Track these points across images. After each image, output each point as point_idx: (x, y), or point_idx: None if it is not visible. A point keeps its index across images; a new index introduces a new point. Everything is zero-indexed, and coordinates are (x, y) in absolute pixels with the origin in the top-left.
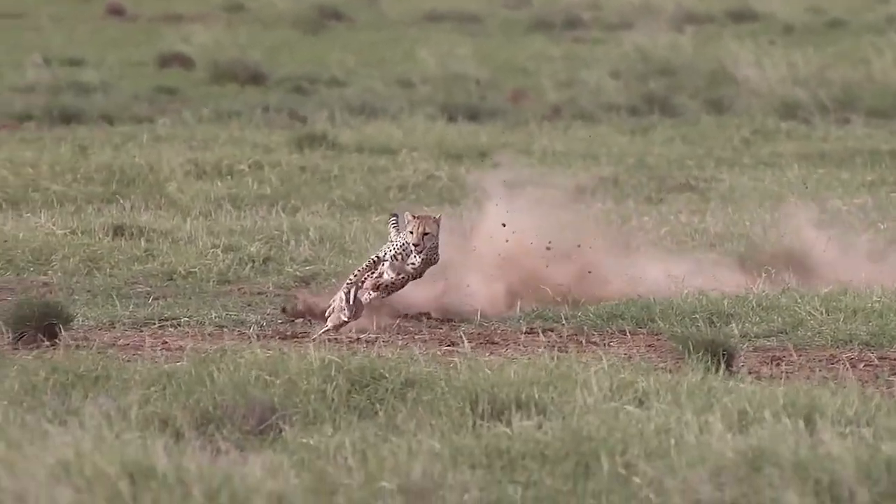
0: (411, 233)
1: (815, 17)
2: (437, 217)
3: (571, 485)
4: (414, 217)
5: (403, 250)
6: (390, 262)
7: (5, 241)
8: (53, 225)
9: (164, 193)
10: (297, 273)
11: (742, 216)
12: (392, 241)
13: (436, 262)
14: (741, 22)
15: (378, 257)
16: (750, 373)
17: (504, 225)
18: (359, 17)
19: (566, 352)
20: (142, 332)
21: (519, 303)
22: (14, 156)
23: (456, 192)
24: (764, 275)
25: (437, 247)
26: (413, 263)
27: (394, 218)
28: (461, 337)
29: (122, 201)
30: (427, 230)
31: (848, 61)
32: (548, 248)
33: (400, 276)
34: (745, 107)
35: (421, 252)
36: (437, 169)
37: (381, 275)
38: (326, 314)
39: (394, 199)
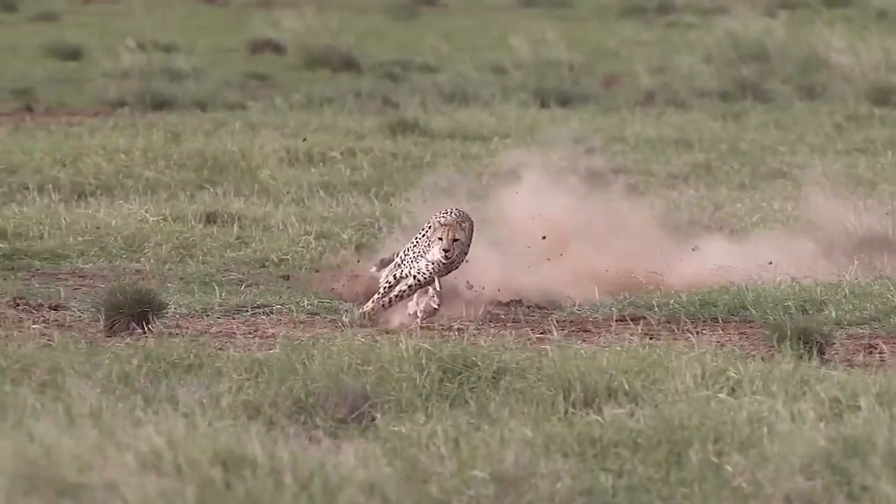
0: (440, 239)
1: None
2: (464, 224)
3: (663, 473)
4: (442, 225)
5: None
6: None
7: (98, 227)
8: (146, 212)
9: (257, 180)
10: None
11: (835, 202)
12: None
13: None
14: (834, 7)
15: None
16: (843, 361)
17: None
18: (451, 3)
19: (658, 339)
20: (234, 319)
21: (596, 289)
22: (107, 142)
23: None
24: (857, 262)
25: (468, 246)
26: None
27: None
28: (553, 325)
29: (214, 188)
30: (457, 237)
31: None
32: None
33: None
34: (838, 92)
35: (450, 258)
36: (530, 155)
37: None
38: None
39: (486, 186)
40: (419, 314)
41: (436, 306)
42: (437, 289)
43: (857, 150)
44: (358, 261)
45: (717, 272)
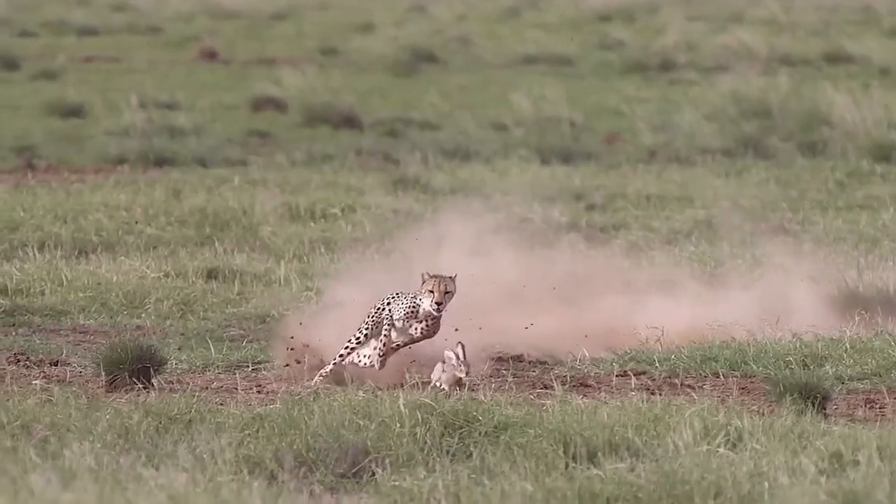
0: (431, 292)
1: None
2: (453, 276)
3: None
4: (432, 277)
5: (413, 310)
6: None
7: (99, 283)
8: (147, 268)
9: (258, 237)
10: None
11: (836, 259)
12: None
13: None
14: (836, 64)
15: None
16: (844, 415)
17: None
18: (452, 60)
19: (659, 394)
20: (235, 374)
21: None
22: (109, 199)
23: (550, 235)
24: (858, 317)
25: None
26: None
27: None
28: (553, 380)
29: (215, 244)
30: (448, 289)
31: None
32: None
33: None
34: (840, 149)
35: (441, 311)
36: (531, 211)
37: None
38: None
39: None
40: (443, 385)
41: (462, 376)
42: (462, 357)
43: (858, 206)
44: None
45: (717, 327)
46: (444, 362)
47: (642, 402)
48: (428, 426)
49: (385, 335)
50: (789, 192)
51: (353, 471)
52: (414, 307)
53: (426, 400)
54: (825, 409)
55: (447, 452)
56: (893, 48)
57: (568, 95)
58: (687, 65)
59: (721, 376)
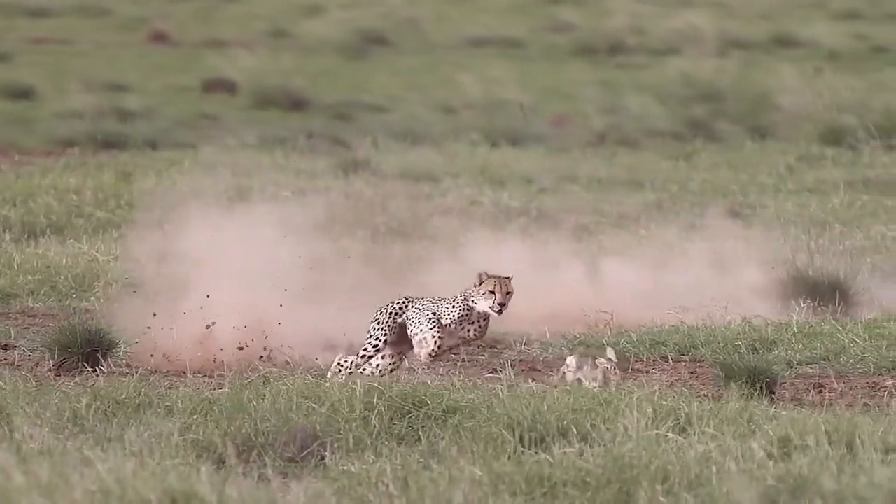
0: (493, 293)
1: (859, 44)
2: (510, 277)
3: None
4: (491, 277)
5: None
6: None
7: (48, 266)
8: (97, 251)
9: (208, 219)
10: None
11: (786, 243)
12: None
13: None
14: (785, 48)
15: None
16: (792, 400)
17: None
18: (402, 43)
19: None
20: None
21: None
22: (58, 182)
23: (500, 218)
24: (807, 302)
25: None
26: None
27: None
28: (503, 364)
29: (165, 227)
30: (509, 289)
31: (892, 88)
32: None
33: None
34: (790, 133)
35: (503, 312)
36: (481, 195)
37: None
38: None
39: (437, 226)
40: (592, 382)
41: (614, 378)
42: (615, 359)
43: (808, 190)
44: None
45: (669, 312)
46: (576, 359)
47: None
48: (377, 410)
49: (437, 339)
50: (739, 175)
51: (302, 455)
52: (467, 309)
53: (375, 384)
54: (774, 393)
55: (396, 437)
56: (843, 32)
57: (517, 78)
58: (636, 48)
59: (670, 361)
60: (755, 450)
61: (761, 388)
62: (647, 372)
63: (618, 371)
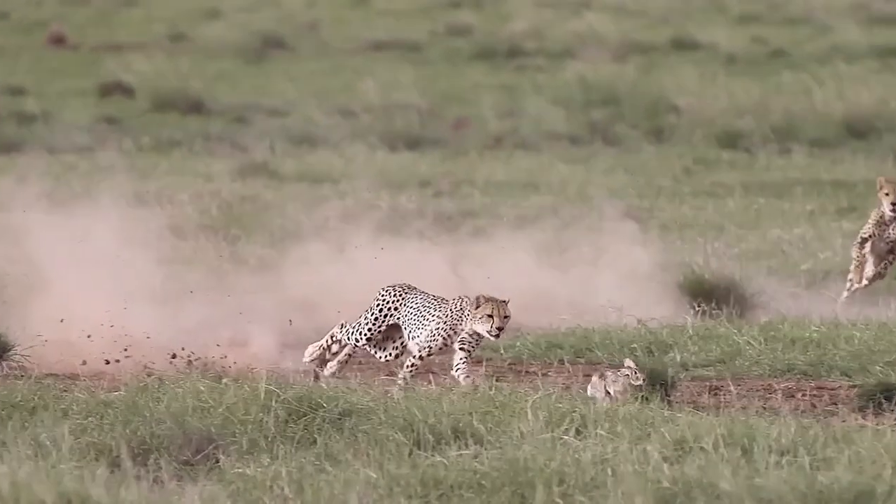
0: (491, 317)
1: (757, 48)
2: (507, 300)
3: None
4: (488, 300)
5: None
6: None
7: None
8: None
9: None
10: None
11: (682, 246)
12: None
13: None
14: (684, 51)
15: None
16: (688, 402)
17: None
18: (301, 47)
19: (505, 381)
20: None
21: None
22: None
23: (397, 221)
24: (703, 305)
25: None
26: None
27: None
28: (399, 367)
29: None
30: (507, 314)
31: (790, 91)
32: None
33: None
34: (687, 136)
35: (499, 337)
36: (378, 198)
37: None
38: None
39: (334, 229)
40: (616, 394)
41: (638, 384)
42: (635, 367)
43: (705, 193)
44: None
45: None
46: (602, 375)
47: (487, 389)
48: (273, 413)
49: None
50: (637, 178)
51: (197, 458)
52: (451, 330)
53: (270, 387)
54: (669, 396)
55: (291, 439)
56: (740, 36)
57: (416, 82)
58: (535, 51)
59: (566, 363)
60: (650, 452)
61: (657, 390)
62: (543, 374)
63: (639, 375)
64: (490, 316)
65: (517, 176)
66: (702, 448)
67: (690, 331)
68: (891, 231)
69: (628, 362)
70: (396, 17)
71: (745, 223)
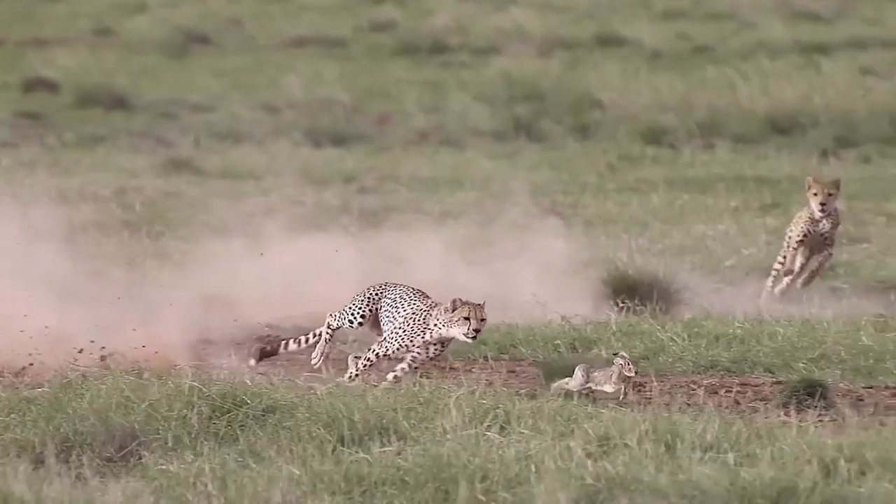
0: (467, 319)
1: (681, 44)
2: (482, 303)
3: None
4: (464, 303)
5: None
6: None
7: None
8: None
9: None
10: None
11: (606, 242)
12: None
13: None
14: (608, 47)
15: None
16: (611, 398)
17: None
18: (225, 42)
19: (429, 377)
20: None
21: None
22: None
23: (322, 217)
24: (627, 301)
25: None
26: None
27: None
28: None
29: None
30: (483, 316)
31: (714, 87)
32: None
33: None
34: (611, 132)
35: (476, 339)
36: (302, 194)
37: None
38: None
39: (257, 225)
40: (607, 387)
41: (631, 375)
42: (628, 360)
43: (629, 189)
44: None
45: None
46: (588, 369)
47: (411, 385)
48: (196, 409)
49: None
50: (561, 174)
51: (121, 454)
52: (423, 331)
53: (194, 383)
54: (593, 392)
55: (215, 436)
56: (665, 32)
57: (340, 77)
58: (459, 47)
59: (489, 359)
60: (574, 449)
61: None
62: (466, 371)
63: (632, 366)
64: (467, 318)
65: (441, 172)
66: (625, 444)
67: (614, 327)
68: (822, 225)
69: (618, 358)
70: (320, 13)
71: (669, 219)
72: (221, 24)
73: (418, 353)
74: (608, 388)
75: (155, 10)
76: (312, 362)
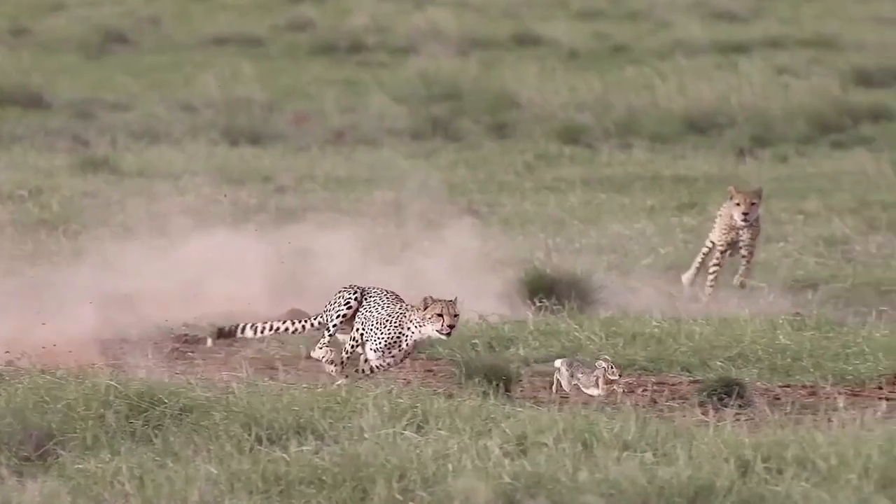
0: (440, 315)
1: (599, 43)
2: (454, 299)
3: None
4: (436, 300)
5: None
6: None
7: None
8: None
9: None
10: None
11: (524, 241)
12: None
13: None
14: (525, 46)
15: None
16: (529, 398)
17: None
18: (142, 41)
19: (346, 377)
20: None
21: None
22: None
23: (238, 216)
24: (544, 300)
25: None
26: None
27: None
28: (241, 361)
29: None
30: (457, 312)
31: (631, 87)
32: None
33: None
34: (529, 131)
35: (451, 335)
36: (219, 194)
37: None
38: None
39: (174, 224)
40: (591, 390)
41: (614, 378)
42: (611, 364)
43: (546, 188)
44: None
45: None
46: (566, 368)
47: (329, 384)
48: (113, 409)
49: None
50: (478, 173)
51: (38, 454)
52: (398, 335)
53: (111, 382)
54: (510, 391)
55: (132, 435)
56: (582, 31)
57: (257, 76)
58: (376, 46)
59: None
60: (491, 447)
61: (498, 385)
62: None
63: (615, 370)
64: (440, 315)
65: (358, 171)
66: (543, 443)
67: (532, 326)
68: (742, 233)
69: (601, 362)
70: (238, 12)
71: (587, 218)
72: (139, 23)
73: (394, 359)
74: (594, 392)
75: (72, 10)
76: (338, 379)
